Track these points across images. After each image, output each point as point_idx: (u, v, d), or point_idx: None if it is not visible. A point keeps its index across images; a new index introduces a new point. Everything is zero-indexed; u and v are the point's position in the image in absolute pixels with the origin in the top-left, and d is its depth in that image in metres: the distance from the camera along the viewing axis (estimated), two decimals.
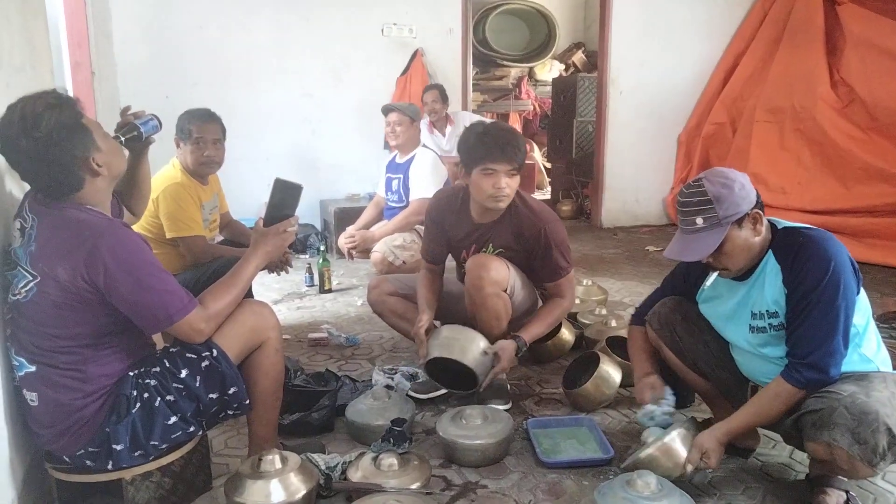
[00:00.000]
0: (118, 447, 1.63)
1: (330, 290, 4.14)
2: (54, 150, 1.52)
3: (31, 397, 1.62)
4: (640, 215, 6.45)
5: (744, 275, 1.83)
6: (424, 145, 4.29)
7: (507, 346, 2.37)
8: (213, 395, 1.71)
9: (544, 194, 8.12)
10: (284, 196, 1.83)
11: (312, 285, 4.23)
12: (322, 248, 4.27)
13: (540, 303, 2.68)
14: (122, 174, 1.76)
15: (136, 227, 2.10)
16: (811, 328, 1.68)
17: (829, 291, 1.66)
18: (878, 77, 5.00)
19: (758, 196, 1.76)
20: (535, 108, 8.82)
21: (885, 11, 5.10)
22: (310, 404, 2.30)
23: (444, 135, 5.35)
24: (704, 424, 2.01)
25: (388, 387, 2.50)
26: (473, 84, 7.20)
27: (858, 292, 1.73)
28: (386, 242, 3.86)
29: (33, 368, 1.59)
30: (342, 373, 2.70)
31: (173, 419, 1.67)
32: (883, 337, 1.88)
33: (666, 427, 1.92)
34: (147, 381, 1.66)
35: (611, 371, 2.43)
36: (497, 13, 8.58)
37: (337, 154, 5.73)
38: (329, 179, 5.66)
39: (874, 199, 4.81)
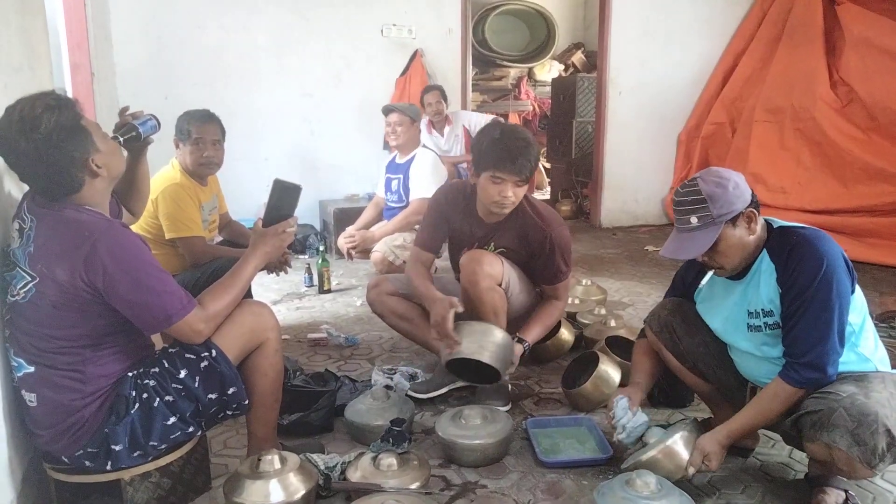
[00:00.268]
0: (117, 447, 1.63)
1: (329, 291, 4.14)
2: (53, 151, 1.52)
3: (30, 398, 1.62)
4: (640, 215, 6.45)
5: (739, 274, 1.84)
6: (424, 145, 4.30)
7: (516, 350, 2.38)
8: (212, 396, 1.71)
9: (544, 194, 8.13)
10: (283, 197, 1.83)
11: (312, 285, 4.23)
12: (321, 248, 4.27)
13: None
14: (121, 175, 1.75)
15: (135, 228, 2.10)
16: (807, 327, 1.68)
17: (823, 290, 1.66)
18: (877, 77, 4.99)
19: (753, 195, 1.77)
20: (534, 109, 8.82)
21: (884, 11, 5.10)
22: (309, 404, 2.30)
23: (442, 135, 5.35)
24: (704, 424, 2.01)
25: (388, 387, 2.50)
26: (473, 84, 7.21)
27: (853, 290, 1.73)
28: (386, 242, 3.87)
29: (32, 369, 1.59)
30: (341, 373, 2.70)
31: (172, 419, 1.68)
32: (882, 336, 1.88)
33: (640, 437, 1.93)
34: (146, 381, 1.66)
35: (610, 371, 2.43)
36: (496, 14, 8.58)
37: (336, 154, 5.72)
38: (328, 180, 5.66)
39: (874, 198, 4.81)
